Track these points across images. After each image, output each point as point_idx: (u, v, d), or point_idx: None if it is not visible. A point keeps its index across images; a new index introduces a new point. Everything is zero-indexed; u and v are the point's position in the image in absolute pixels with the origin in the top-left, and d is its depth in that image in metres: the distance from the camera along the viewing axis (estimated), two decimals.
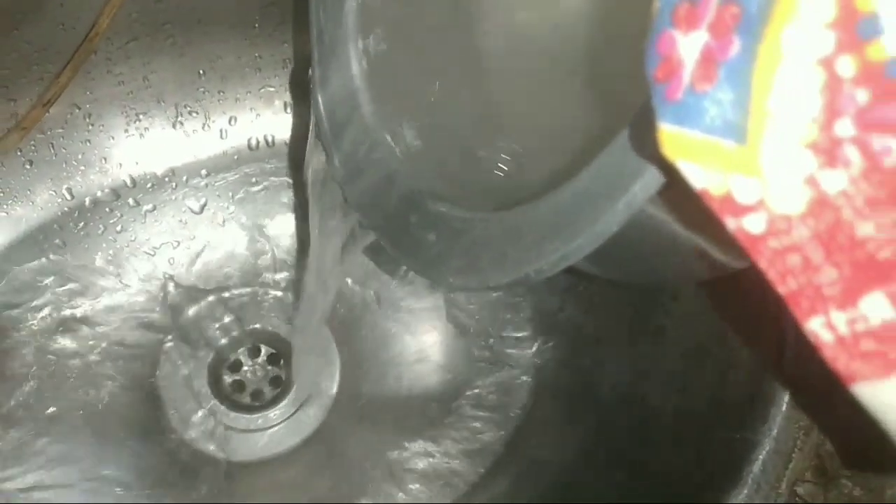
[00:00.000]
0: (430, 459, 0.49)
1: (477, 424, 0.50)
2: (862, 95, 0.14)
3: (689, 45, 0.17)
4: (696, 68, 0.16)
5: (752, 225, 0.16)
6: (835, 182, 0.15)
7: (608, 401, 0.47)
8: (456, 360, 0.52)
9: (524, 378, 0.51)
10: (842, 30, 0.14)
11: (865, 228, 0.15)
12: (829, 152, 0.15)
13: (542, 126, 0.39)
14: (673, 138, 0.17)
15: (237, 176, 0.53)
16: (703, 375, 0.42)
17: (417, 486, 0.49)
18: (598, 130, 0.34)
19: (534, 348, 0.51)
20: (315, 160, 0.41)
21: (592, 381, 0.48)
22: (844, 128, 0.14)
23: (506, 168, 0.39)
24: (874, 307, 0.16)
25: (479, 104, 0.40)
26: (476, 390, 0.51)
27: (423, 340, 0.52)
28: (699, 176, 0.16)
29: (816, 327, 0.17)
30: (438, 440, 0.50)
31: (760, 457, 0.36)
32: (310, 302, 0.47)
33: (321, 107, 0.39)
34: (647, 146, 0.18)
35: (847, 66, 0.14)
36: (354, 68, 0.38)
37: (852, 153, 0.15)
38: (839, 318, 0.17)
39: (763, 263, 0.16)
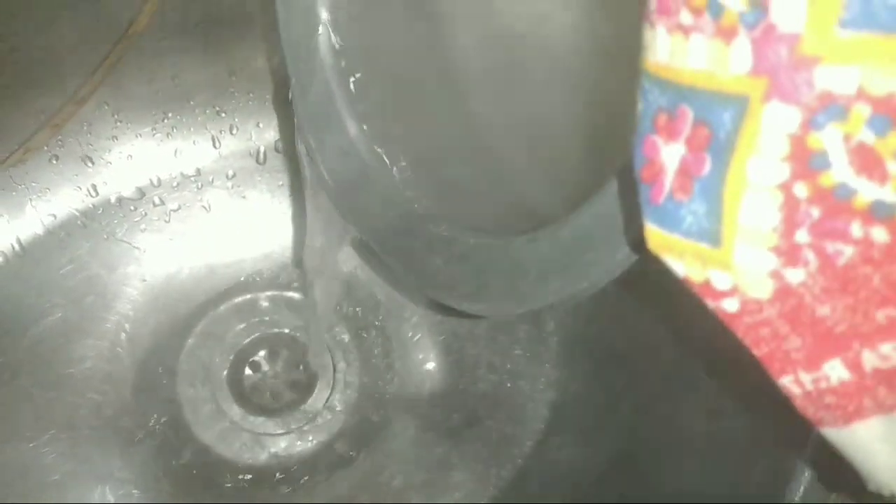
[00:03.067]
0: (451, 470, 0.52)
1: (499, 437, 0.53)
2: (815, 211, 0.19)
3: (669, 154, 0.21)
4: (675, 178, 0.20)
5: (728, 305, 0.20)
6: (795, 276, 0.19)
7: (634, 420, 0.49)
8: (477, 371, 0.55)
9: (547, 392, 0.53)
10: (796, 163, 0.18)
11: (823, 310, 0.20)
12: (790, 254, 0.19)
13: (536, 147, 0.41)
14: (657, 236, 0.21)
15: (263, 178, 0.57)
16: (737, 399, 0.43)
17: (437, 497, 0.52)
18: (597, 154, 0.36)
19: (557, 362, 0.54)
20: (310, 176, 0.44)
21: (617, 399, 0.50)
22: (802, 236, 0.19)
23: (501, 191, 0.41)
24: (833, 370, 0.21)
25: (469, 123, 0.42)
26: (498, 402, 0.54)
27: (444, 350, 0.55)
28: (680, 267, 0.21)
29: (787, 383, 0.21)
30: (460, 450, 0.53)
31: (802, 486, 0.37)
32: (316, 297, 0.50)
33: (305, 130, 0.42)
34: (633, 224, 0.22)
35: (802, 190, 0.19)
36: (336, 94, 0.40)
37: (809, 255, 0.19)
38: (805, 378, 0.21)
39: (740, 333, 0.21)
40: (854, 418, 0.22)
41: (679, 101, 0.20)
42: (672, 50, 0.21)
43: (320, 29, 0.40)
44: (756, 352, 0.21)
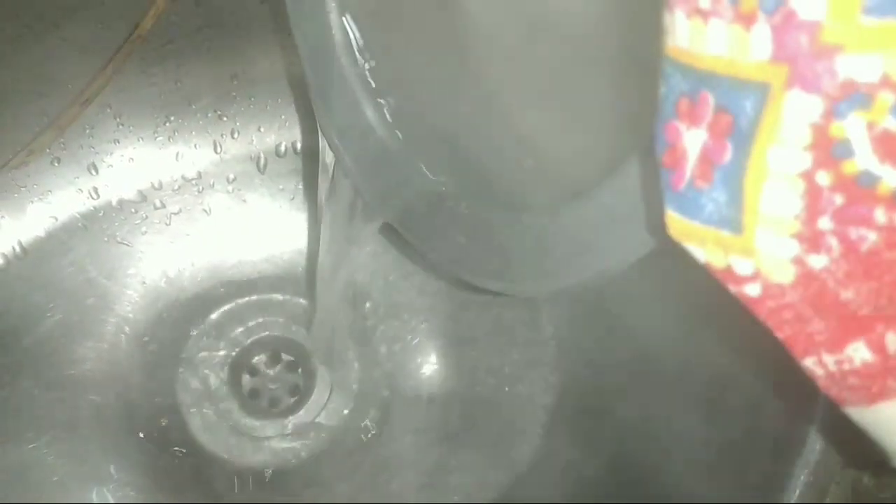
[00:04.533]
0: (449, 473, 0.53)
1: (496, 441, 0.54)
2: (838, 199, 0.19)
3: (691, 139, 0.21)
4: (697, 165, 0.21)
5: (751, 290, 0.21)
6: (818, 262, 0.20)
7: (631, 424, 0.50)
8: (476, 375, 0.56)
9: (544, 397, 0.54)
10: (818, 151, 0.19)
11: (847, 294, 0.20)
12: (813, 241, 0.20)
13: (560, 117, 0.40)
14: (677, 223, 0.22)
15: (264, 181, 0.58)
16: (733, 405, 0.45)
17: (434, 500, 0.53)
18: (624, 124, 0.35)
19: (554, 367, 0.55)
20: (328, 161, 0.44)
21: (614, 404, 0.51)
22: (825, 223, 0.20)
23: (525, 165, 0.40)
24: (857, 352, 0.22)
25: (489, 96, 0.41)
26: (496, 406, 0.55)
27: (442, 354, 0.56)
28: (701, 254, 0.22)
29: (810, 364, 0.22)
30: (457, 454, 0.54)
31: (797, 489, 0.38)
32: (324, 302, 0.51)
33: (323, 111, 0.42)
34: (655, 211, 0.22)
35: (824, 178, 0.19)
36: (350, 77, 0.40)
37: (832, 241, 0.20)
38: (829, 359, 0.22)
39: (762, 316, 0.22)
40: (878, 398, 0.23)
41: (700, 87, 0.21)
42: (691, 35, 0.21)
43: (330, 7, 0.40)
44: (779, 334, 0.22)
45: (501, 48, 0.41)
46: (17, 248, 0.54)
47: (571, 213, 0.31)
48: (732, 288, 0.22)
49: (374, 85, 0.41)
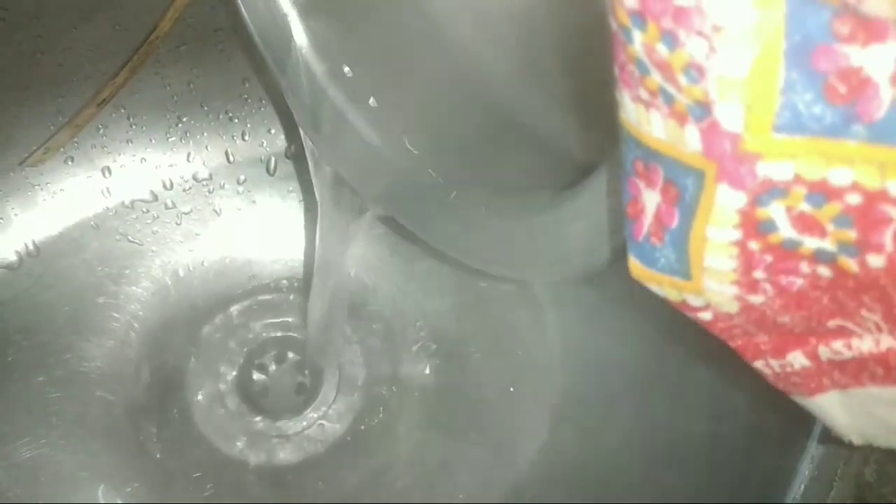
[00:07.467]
0: (454, 473, 0.55)
1: (501, 440, 0.56)
2: (768, 258, 0.23)
3: (648, 198, 0.24)
4: (652, 222, 0.24)
5: (704, 316, 0.26)
6: (757, 300, 0.24)
7: (636, 423, 0.52)
8: (481, 375, 0.58)
9: (549, 396, 0.56)
10: (747, 228, 0.23)
11: (783, 319, 0.25)
12: (750, 286, 0.24)
13: (548, 94, 0.41)
14: (637, 268, 0.26)
15: (274, 183, 0.60)
16: (736, 403, 0.46)
17: (439, 498, 0.54)
18: (594, 128, 0.36)
19: (559, 367, 0.56)
20: (316, 158, 0.46)
21: (619, 403, 0.53)
22: (759, 274, 0.23)
23: (508, 156, 0.41)
24: (796, 359, 0.26)
25: (468, 80, 0.42)
26: (501, 406, 0.57)
27: (448, 354, 0.58)
28: (660, 291, 0.26)
29: (760, 366, 0.27)
30: (463, 453, 0.56)
31: (802, 485, 0.40)
32: (318, 295, 0.52)
33: (300, 110, 0.43)
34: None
35: (755, 245, 0.23)
36: (320, 77, 0.42)
37: (767, 286, 0.24)
38: (774, 363, 0.27)
39: (716, 332, 0.26)
40: (816, 392, 0.27)
41: (651, 158, 0.24)
42: (637, 117, 0.23)
43: (289, 15, 0.42)
44: (731, 344, 0.27)
45: (477, 31, 0.42)
46: (31, 246, 0.56)
47: (553, 211, 0.33)
48: (689, 314, 0.26)
49: (346, 80, 0.42)
